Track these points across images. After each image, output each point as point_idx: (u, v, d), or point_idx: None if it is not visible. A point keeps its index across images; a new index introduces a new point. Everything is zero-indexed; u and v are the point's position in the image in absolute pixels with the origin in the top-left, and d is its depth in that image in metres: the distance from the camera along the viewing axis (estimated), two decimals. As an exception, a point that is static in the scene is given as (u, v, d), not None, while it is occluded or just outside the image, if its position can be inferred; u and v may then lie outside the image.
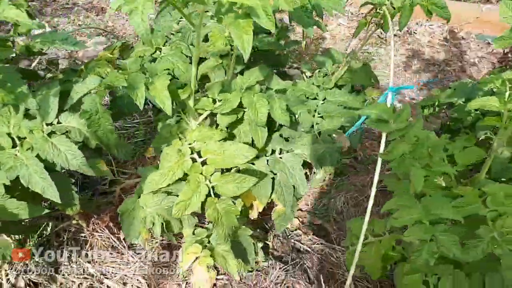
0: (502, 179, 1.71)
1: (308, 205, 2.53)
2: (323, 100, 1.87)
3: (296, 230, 2.35)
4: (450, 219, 1.32)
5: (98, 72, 1.49)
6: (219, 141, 1.39)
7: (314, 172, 2.06)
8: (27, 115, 1.31)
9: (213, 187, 1.35)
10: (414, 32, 3.65)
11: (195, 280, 1.49)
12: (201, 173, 1.34)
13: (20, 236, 2.04)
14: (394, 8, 1.57)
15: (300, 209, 2.51)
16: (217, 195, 1.35)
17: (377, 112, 1.19)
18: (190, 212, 1.31)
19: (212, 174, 1.34)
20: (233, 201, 1.69)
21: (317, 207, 2.49)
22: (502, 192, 1.35)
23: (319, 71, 2.07)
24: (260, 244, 1.99)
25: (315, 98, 1.89)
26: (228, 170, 1.66)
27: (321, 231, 2.37)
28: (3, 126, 1.32)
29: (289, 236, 2.31)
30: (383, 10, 1.57)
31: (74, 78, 1.60)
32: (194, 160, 1.38)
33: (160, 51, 1.83)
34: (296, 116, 1.51)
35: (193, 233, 1.67)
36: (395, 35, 3.64)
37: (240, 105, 1.40)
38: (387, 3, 1.56)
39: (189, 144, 1.43)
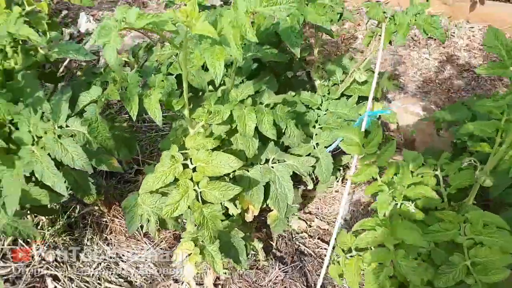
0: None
1: (318, 209, 2.58)
2: (325, 111, 1.91)
3: (302, 232, 2.42)
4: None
5: (113, 77, 1.66)
6: (210, 150, 1.49)
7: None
8: (43, 117, 1.49)
9: (200, 193, 1.46)
10: (452, 35, 3.49)
11: (185, 275, 1.63)
12: (191, 179, 1.46)
13: (52, 216, 2.29)
14: (395, 24, 1.56)
15: (310, 212, 2.57)
16: (204, 201, 1.47)
17: (349, 135, 1.22)
18: (178, 215, 1.44)
19: (200, 180, 1.45)
20: (234, 204, 1.81)
21: (326, 211, 2.53)
22: (481, 220, 1.34)
23: (329, 79, 2.10)
24: (260, 245, 2.08)
25: (318, 108, 1.94)
26: (227, 175, 1.78)
27: (327, 236, 2.42)
28: (25, 125, 1.52)
29: (294, 238, 2.38)
30: (382, 27, 1.57)
31: (94, 80, 1.78)
32: (186, 166, 1.50)
33: (177, 56, 1.95)
34: (283, 130, 1.57)
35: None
36: (430, 37, 3.51)
37: (232, 117, 1.49)
38: (386, 21, 1.56)
39: (185, 150, 1.56)
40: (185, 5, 0.98)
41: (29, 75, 1.47)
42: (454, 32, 3.51)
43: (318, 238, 2.38)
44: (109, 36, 0.93)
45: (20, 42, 1.44)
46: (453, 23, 3.63)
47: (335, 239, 1.69)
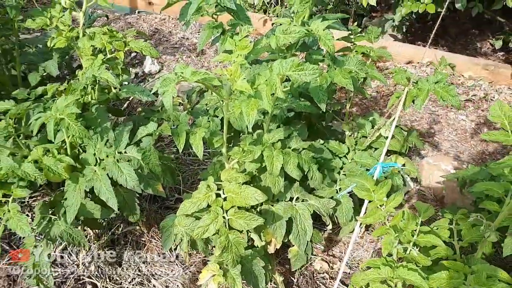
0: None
1: (341, 252, 2.68)
2: (351, 160, 2.09)
3: (324, 273, 2.53)
4: None
5: (167, 116, 1.97)
6: (241, 183, 1.71)
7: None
8: (107, 143, 1.80)
9: (228, 220, 1.67)
10: (492, 99, 3.57)
11: (208, 293, 1.81)
12: (221, 207, 1.68)
13: (98, 231, 2.58)
14: (418, 89, 1.74)
15: (333, 255, 2.68)
16: (230, 228, 1.67)
17: (362, 181, 1.40)
18: (206, 236, 1.65)
19: (229, 209, 1.67)
20: (259, 236, 1.99)
21: (349, 256, 2.63)
22: (485, 272, 1.44)
23: (358, 132, 2.29)
24: (281, 278, 2.23)
25: (345, 157, 2.13)
26: (255, 208, 1.98)
27: (348, 279, 2.51)
28: (92, 149, 1.84)
29: (315, 278, 2.49)
30: (404, 90, 1.76)
31: (152, 116, 2.10)
32: (218, 195, 1.72)
33: (223, 102, 2.25)
34: (305, 172, 1.77)
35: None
36: (469, 100, 3.60)
37: (262, 157, 1.71)
38: (410, 85, 1.75)
39: (220, 181, 1.79)
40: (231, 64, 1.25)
41: (101, 108, 1.80)
42: (494, 97, 3.59)
43: (340, 281, 2.47)
44: (168, 86, 1.21)
45: (97, 82, 1.79)
46: (494, 88, 3.72)
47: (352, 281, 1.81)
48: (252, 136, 1.86)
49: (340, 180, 2.01)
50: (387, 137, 2.11)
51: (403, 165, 2.01)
